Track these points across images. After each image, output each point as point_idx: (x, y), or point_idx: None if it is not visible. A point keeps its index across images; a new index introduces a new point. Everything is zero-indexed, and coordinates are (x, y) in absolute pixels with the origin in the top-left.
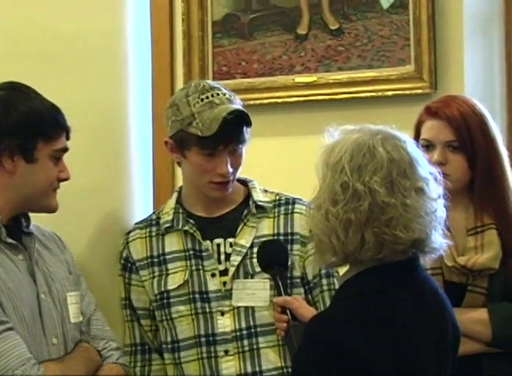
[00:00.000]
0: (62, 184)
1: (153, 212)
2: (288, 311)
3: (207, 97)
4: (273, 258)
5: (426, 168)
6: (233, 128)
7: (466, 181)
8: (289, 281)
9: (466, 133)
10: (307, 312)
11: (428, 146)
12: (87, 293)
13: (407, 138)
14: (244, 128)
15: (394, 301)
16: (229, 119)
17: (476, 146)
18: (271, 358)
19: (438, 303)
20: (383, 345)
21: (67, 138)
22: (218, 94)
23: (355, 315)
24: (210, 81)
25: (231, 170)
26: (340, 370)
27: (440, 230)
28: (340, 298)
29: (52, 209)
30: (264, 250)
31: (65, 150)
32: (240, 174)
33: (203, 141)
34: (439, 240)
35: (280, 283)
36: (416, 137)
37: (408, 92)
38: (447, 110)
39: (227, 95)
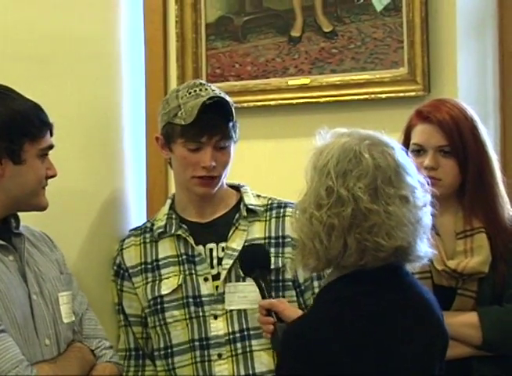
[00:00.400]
0: (53, 187)
1: (148, 220)
2: (274, 313)
3: (195, 90)
4: (254, 261)
5: (414, 176)
6: (215, 117)
7: (457, 185)
8: (280, 284)
9: (458, 138)
10: (292, 313)
11: (419, 151)
12: (78, 292)
13: (396, 144)
14: (230, 123)
15: (375, 307)
16: (208, 104)
17: (467, 151)
18: (264, 360)
19: (425, 308)
20: (360, 351)
21: (51, 134)
22: (206, 89)
23: (332, 321)
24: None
25: (213, 164)
26: (307, 362)
27: (425, 239)
28: (320, 302)
29: (42, 207)
30: (244, 254)
31: (51, 147)
32: (232, 177)
33: (187, 131)
34: (424, 249)
35: (264, 286)
36: (406, 141)
37: (401, 94)
38: (438, 115)
39: (216, 91)
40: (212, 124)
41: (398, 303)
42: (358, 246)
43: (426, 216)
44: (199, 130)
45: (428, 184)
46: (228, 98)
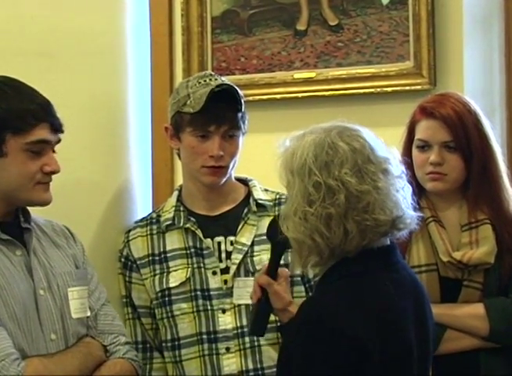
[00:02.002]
0: (60, 179)
1: (153, 211)
2: (265, 290)
3: (205, 80)
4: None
5: (384, 149)
6: (224, 106)
7: (462, 180)
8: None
9: (463, 133)
10: (279, 301)
11: (424, 147)
12: (97, 287)
13: (359, 127)
14: (239, 113)
15: (378, 283)
16: (217, 93)
17: (472, 146)
18: (272, 355)
19: (418, 290)
20: (371, 323)
21: (54, 130)
22: (216, 79)
23: (343, 296)
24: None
25: (221, 153)
26: (335, 350)
27: (410, 205)
28: (325, 282)
29: (39, 203)
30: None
31: (43, 141)
32: (239, 171)
33: (195, 119)
34: (411, 214)
35: (274, 259)
36: (409, 136)
37: (407, 88)
38: (443, 110)
39: (226, 81)
40: (220, 113)
41: (401, 282)
42: (358, 227)
43: (406, 184)
44: (207, 118)
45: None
46: (237, 88)
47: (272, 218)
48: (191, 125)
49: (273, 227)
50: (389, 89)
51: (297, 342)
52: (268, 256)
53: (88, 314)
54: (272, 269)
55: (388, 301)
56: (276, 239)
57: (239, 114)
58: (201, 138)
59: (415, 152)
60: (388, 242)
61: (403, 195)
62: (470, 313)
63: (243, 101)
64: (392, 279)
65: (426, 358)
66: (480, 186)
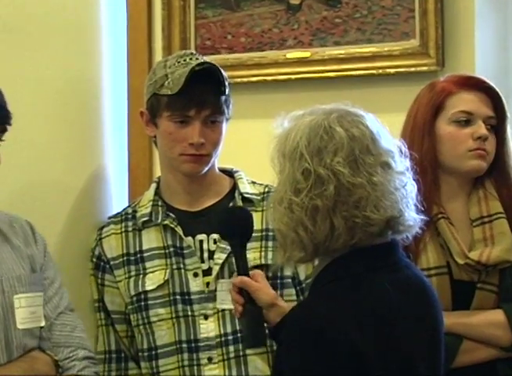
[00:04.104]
0: (21, 171)
1: (129, 205)
2: (245, 292)
3: (185, 60)
4: (237, 225)
5: (390, 141)
6: (206, 88)
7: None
8: (278, 281)
9: (501, 111)
10: (265, 296)
11: (466, 121)
12: (57, 293)
13: (364, 112)
14: (222, 96)
15: (375, 285)
16: (198, 73)
17: (505, 127)
18: (258, 365)
19: (426, 291)
20: (368, 329)
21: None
22: (197, 58)
23: (336, 300)
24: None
25: (202, 140)
26: (329, 357)
27: (413, 206)
28: (318, 286)
29: None
30: (227, 215)
31: None
32: (224, 162)
33: (174, 102)
34: (413, 217)
35: (240, 257)
36: (433, 113)
37: (412, 69)
38: (487, 84)
39: (208, 61)
40: (202, 96)
41: (404, 282)
42: (346, 224)
43: (409, 181)
44: (187, 101)
45: (405, 148)
46: (221, 68)
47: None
48: (169, 109)
49: (225, 222)
50: (392, 71)
51: (291, 351)
52: (255, 255)
53: (42, 324)
54: (242, 269)
55: (388, 306)
56: (232, 234)
57: (223, 98)
58: (180, 123)
59: (451, 128)
60: (389, 239)
61: (403, 194)
62: (489, 321)
63: (227, 83)
64: (393, 280)
65: (435, 366)
66: (503, 174)
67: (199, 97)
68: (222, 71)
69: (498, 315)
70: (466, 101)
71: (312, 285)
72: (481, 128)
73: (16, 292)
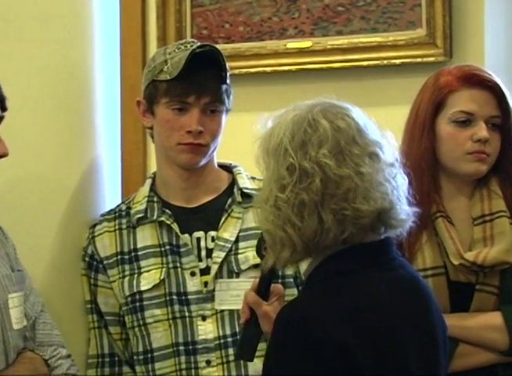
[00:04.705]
0: (10, 166)
1: (123, 202)
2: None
3: (186, 46)
4: None
5: (377, 133)
6: (206, 74)
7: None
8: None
9: (507, 109)
10: (268, 326)
11: (465, 121)
12: (32, 291)
13: (350, 105)
14: (223, 85)
15: (368, 284)
16: (199, 56)
17: (510, 125)
18: (258, 369)
19: (421, 292)
20: (357, 327)
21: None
22: (198, 44)
23: (325, 299)
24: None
25: (200, 128)
26: (316, 357)
27: (405, 199)
28: (310, 284)
29: None
30: None
31: None
32: (223, 156)
33: (172, 88)
34: (405, 210)
35: (266, 277)
36: (434, 110)
37: (418, 59)
38: (492, 80)
39: (209, 44)
40: (202, 82)
41: (397, 282)
42: (335, 218)
43: (400, 173)
44: (186, 87)
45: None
46: (223, 53)
47: None
48: (167, 95)
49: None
50: (397, 61)
51: (279, 350)
52: (254, 254)
53: (25, 323)
54: (263, 286)
55: (378, 305)
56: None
57: (224, 86)
58: (178, 111)
59: (450, 128)
60: (381, 237)
61: (394, 186)
62: (486, 324)
63: (228, 71)
64: (386, 279)
65: (431, 367)
66: (508, 173)
67: (199, 83)
68: (224, 57)
69: (495, 317)
70: (467, 100)
71: (305, 284)
72: (481, 130)
73: (9, 291)
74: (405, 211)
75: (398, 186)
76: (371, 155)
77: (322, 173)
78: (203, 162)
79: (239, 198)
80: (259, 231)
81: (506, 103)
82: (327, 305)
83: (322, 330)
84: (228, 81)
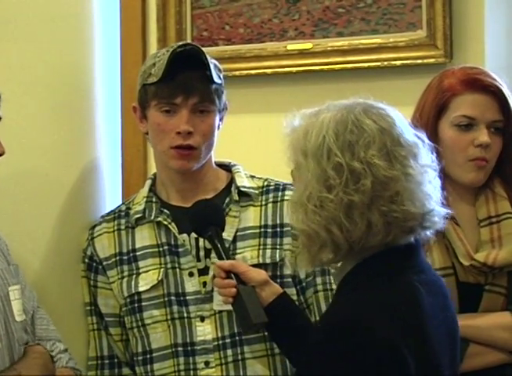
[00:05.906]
0: (10, 167)
1: (123, 202)
2: (234, 275)
3: (173, 46)
4: (208, 218)
5: (412, 132)
6: (192, 74)
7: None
8: (278, 280)
9: (509, 113)
10: (256, 274)
11: (467, 125)
12: (26, 286)
13: (384, 105)
14: (212, 84)
15: (409, 285)
16: (184, 57)
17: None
18: (258, 370)
19: (444, 292)
20: (405, 329)
21: None
22: (179, 44)
23: (374, 301)
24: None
25: (190, 129)
26: (371, 361)
27: (439, 200)
28: (350, 286)
29: None
30: (195, 212)
31: None
32: (223, 156)
33: (160, 90)
34: (439, 212)
35: (220, 246)
36: (437, 114)
37: (419, 61)
38: (495, 84)
39: (191, 43)
40: (188, 82)
41: (431, 283)
42: (384, 220)
43: (436, 174)
44: (173, 88)
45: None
46: (204, 51)
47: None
48: (155, 97)
49: (194, 217)
50: (398, 63)
51: (331, 354)
52: (252, 254)
53: (24, 317)
54: (226, 256)
55: (421, 307)
56: (205, 225)
57: (213, 86)
58: (167, 113)
59: (452, 132)
60: (412, 240)
61: (434, 187)
62: (496, 324)
63: (215, 70)
64: (421, 280)
65: (455, 368)
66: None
67: (185, 83)
68: (207, 56)
69: (506, 317)
70: (469, 104)
71: (339, 288)
72: (482, 135)
73: (9, 284)
74: (439, 213)
75: (436, 187)
76: (414, 156)
77: (372, 174)
78: (195, 166)
79: (236, 197)
80: (256, 231)
81: (509, 107)
82: (376, 307)
83: (374, 332)
84: (218, 81)
